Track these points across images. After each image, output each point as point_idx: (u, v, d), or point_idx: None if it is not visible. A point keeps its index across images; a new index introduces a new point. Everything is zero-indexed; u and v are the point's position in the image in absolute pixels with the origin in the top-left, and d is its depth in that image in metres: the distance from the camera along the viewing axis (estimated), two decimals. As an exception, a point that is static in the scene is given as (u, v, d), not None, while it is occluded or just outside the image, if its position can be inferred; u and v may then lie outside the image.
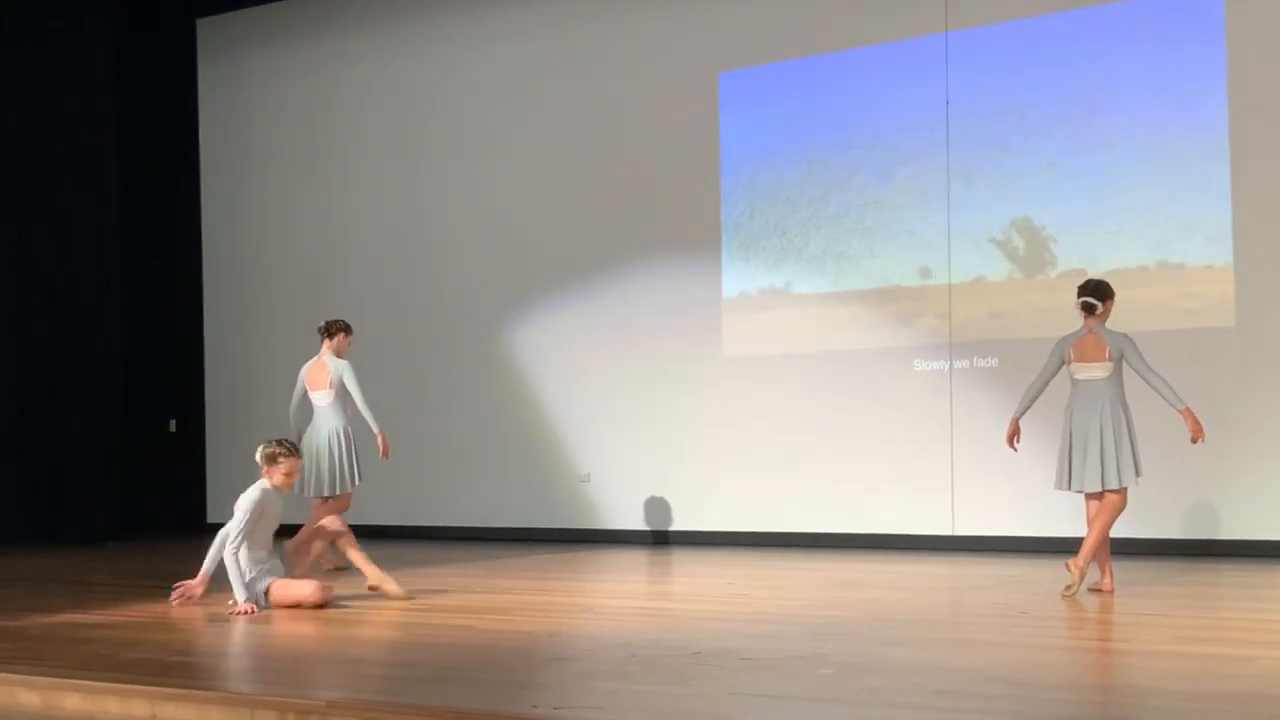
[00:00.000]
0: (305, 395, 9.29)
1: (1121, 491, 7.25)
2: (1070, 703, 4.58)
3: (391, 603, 7.21)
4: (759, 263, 10.78)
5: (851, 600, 7.23)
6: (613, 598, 7.69)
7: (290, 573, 7.50)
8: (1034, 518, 9.54)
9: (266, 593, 7.05)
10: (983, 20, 10.02)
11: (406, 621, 6.59)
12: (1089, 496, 7.34)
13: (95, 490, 12.20)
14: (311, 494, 9.17)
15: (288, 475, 7.29)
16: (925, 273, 10.15)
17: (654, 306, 11.17)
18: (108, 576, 9.21)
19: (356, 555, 7.54)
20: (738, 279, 10.86)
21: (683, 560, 9.79)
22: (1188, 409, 7.18)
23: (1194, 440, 7.25)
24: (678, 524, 11.04)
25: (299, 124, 12.97)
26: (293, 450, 7.33)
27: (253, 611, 6.87)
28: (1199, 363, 8.95)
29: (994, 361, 9.80)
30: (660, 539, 11.07)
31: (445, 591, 7.81)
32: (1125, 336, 7.33)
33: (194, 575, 7.25)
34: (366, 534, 7.01)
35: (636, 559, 9.99)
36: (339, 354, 9.23)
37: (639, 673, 5.04)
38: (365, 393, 9.14)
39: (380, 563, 7.54)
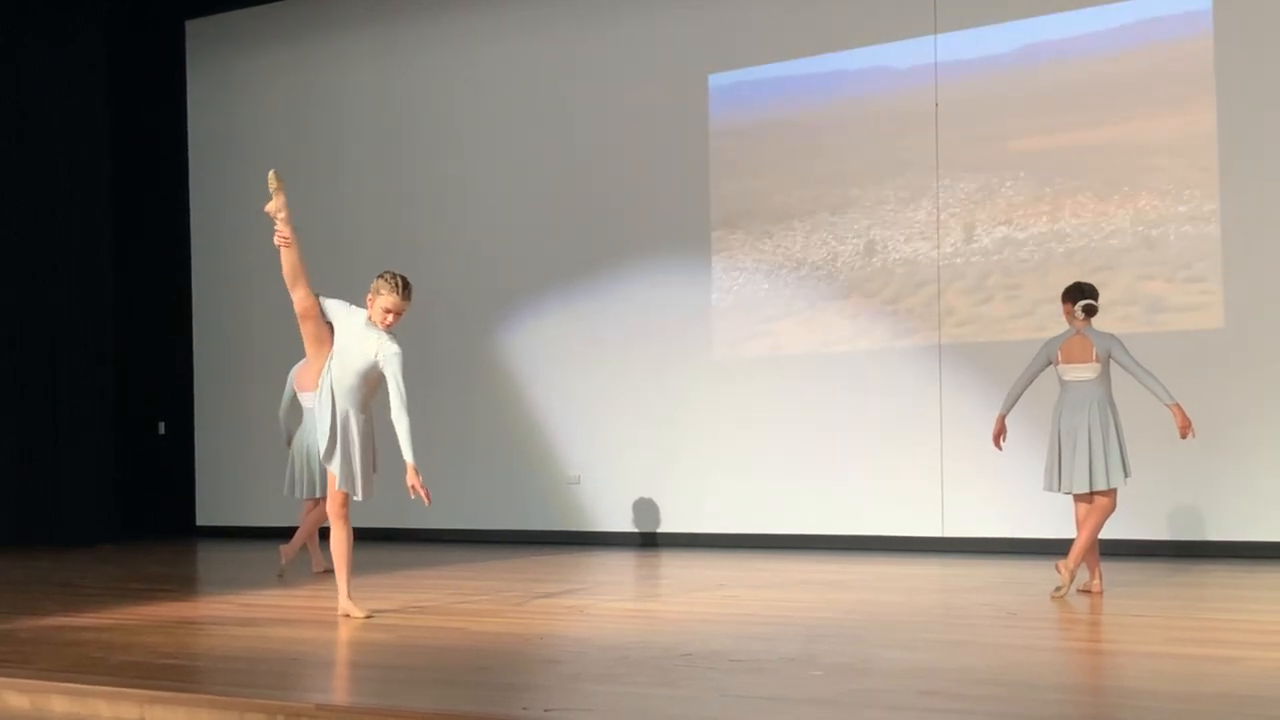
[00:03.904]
0: (295, 397, 9.27)
1: (1111, 493, 7.26)
2: (1061, 704, 4.59)
3: (382, 606, 7.20)
4: (749, 265, 10.78)
5: (842, 602, 7.24)
6: (603, 600, 7.69)
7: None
8: (1023, 519, 9.56)
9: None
10: (971, 23, 10.03)
11: (396, 624, 6.58)
12: (1078, 498, 7.36)
13: (85, 493, 12.19)
14: (303, 495, 9.17)
15: (386, 312, 6.58)
16: (915, 275, 10.16)
17: (644, 308, 11.16)
18: (98, 579, 9.19)
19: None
20: (727, 281, 10.87)
21: (673, 562, 9.79)
22: (1177, 405, 7.21)
23: (1183, 435, 7.27)
24: (667, 526, 11.04)
25: (288, 125, 12.95)
26: (399, 286, 6.58)
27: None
28: (1187, 365, 8.95)
29: (984, 364, 9.80)
30: (650, 541, 11.07)
31: (435, 594, 7.80)
32: (1112, 336, 7.35)
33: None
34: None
35: (626, 561, 9.99)
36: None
37: (629, 674, 5.04)
38: None
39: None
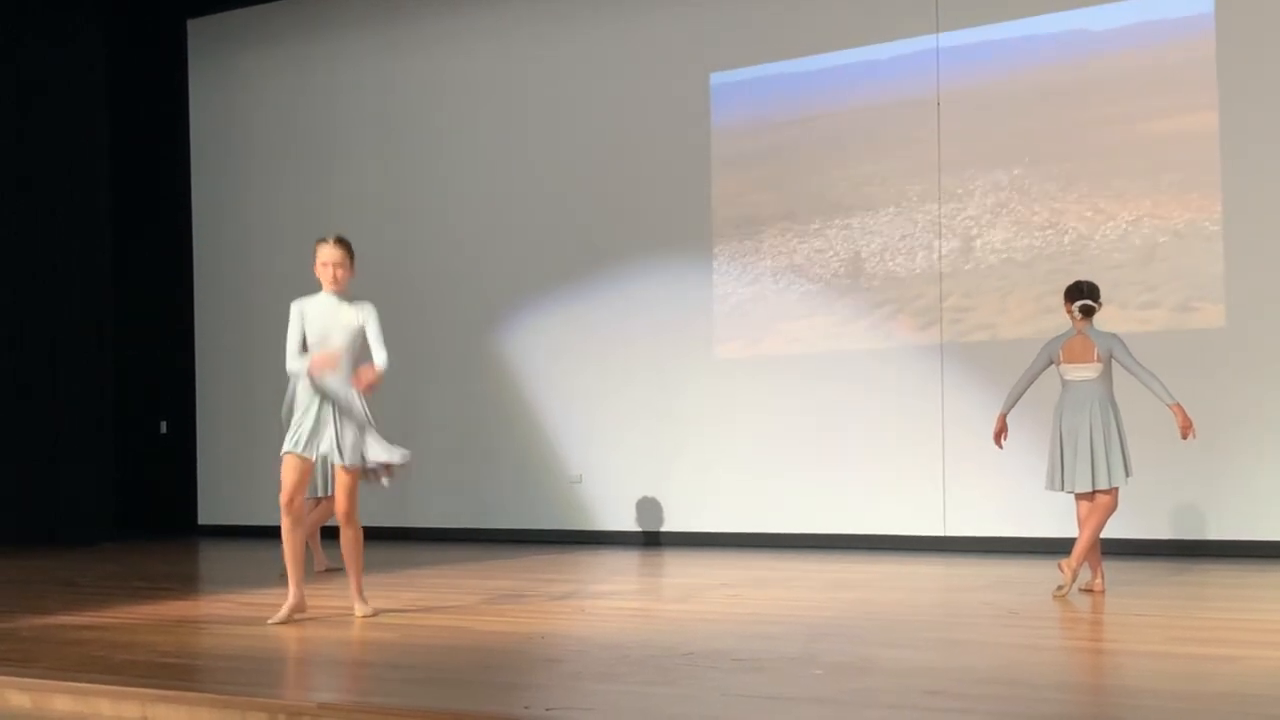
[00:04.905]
0: (297, 397, 9.27)
1: (1112, 492, 7.27)
2: (1062, 703, 4.59)
3: (384, 605, 7.20)
4: (750, 263, 10.78)
5: (843, 601, 7.24)
6: (604, 599, 7.69)
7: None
8: (1025, 518, 9.56)
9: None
10: (973, 21, 10.03)
11: (398, 623, 6.59)
12: (1079, 497, 7.36)
13: (87, 491, 12.18)
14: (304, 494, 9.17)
15: (324, 266, 6.68)
16: (917, 273, 10.16)
17: (646, 307, 11.17)
18: (99, 578, 9.19)
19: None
20: (729, 280, 10.87)
21: (674, 561, 9.80)
22: (1178, 405, 7.21)
23: (1184, 436, 7.28)
24: (669, 525, 11.04)
25: (289, 124, 12.95)
26: (329, 237, 6.77)
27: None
28: (1188, 364, 8.96)
29: (986, 362, 9.80)
30: (652, 540, 11.07)
31: (437, 593, 7.81)
32: (1114, 336, 7.36)
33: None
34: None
35: (628, 560, 9.99)
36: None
37: (630, 674, 5.04)
38: None
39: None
